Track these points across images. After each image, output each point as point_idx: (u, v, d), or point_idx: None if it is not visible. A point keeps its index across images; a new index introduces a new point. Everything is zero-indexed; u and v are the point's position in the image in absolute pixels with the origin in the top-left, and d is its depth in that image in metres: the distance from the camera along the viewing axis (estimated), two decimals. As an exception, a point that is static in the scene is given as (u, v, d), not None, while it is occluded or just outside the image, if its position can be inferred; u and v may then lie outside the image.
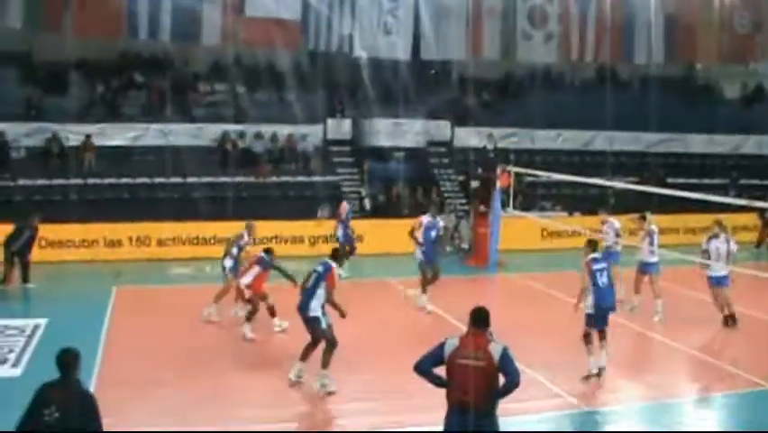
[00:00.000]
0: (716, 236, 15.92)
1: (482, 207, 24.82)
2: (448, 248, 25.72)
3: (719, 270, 15.84)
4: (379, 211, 28.07)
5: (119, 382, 12.18)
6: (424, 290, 17.92)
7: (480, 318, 8.04)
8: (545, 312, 17.69)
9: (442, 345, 7.96)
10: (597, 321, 12.85)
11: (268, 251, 15.69)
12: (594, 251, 13.13)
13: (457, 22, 31.39)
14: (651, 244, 17.02)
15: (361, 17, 29.88)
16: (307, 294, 12.04)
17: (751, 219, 23.47)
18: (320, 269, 12.14)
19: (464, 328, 8.11)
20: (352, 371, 12.86)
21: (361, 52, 29.92)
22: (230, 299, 16.41)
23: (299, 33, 29.33)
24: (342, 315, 12.19)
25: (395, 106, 30.36)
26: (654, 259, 17.11)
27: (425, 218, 18.30)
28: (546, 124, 31.86)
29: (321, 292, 11.95)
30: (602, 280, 12.70)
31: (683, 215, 26.92)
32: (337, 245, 17.36)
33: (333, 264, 12.22)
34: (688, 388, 13.33)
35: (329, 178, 28.89)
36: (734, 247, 16.19)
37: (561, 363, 13.44)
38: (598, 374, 12.77)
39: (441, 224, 18.84)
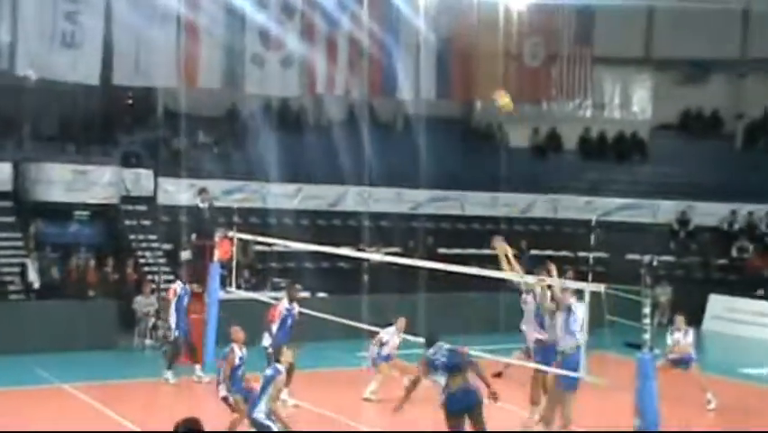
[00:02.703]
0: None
1: (195, 286, 24.10)
2: (147, 341, 25.85)
3: None
4: (53, 291, 27.22)
5: None
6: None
7: None
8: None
9: None
10: None
11: None
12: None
13: (165, 35, 30.75)
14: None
15: (25, 20, 28.69)
16: None
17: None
18: None
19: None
20: None
21: (26, 70, 29.20)
22: None
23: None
24: None
25: (76, 148, 30.22)
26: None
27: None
28: (283, 175, 32.13)
29: None
30: None
31: (459, 293, 27.52)
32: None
33: None
34: None
35: (-24, 245, 28.30)
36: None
37: None
38: None
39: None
